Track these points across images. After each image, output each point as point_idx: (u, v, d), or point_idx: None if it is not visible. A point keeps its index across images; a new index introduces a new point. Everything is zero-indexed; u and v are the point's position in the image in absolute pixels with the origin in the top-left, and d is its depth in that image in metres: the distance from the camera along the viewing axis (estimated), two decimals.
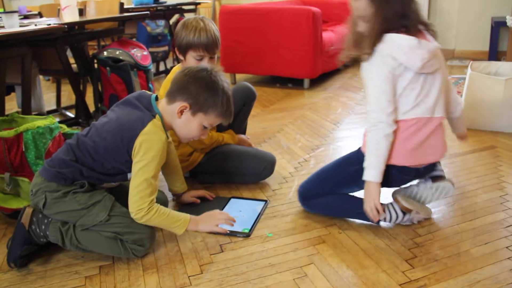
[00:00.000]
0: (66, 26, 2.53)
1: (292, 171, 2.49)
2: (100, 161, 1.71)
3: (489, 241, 1.77)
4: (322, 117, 3.42)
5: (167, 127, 1.76)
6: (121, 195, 1.77)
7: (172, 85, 1.76)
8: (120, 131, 1.68)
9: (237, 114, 2.41)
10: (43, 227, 1.73)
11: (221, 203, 2.13)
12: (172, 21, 5.04)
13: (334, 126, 3.21)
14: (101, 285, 1.62)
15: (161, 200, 2.02)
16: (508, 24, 4.07)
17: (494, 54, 4.86)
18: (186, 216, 1.80)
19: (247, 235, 1.88)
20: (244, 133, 2.64)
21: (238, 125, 2.49)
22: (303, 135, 3.04)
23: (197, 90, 1.70)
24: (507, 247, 1.73)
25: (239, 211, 2.06)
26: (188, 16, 5.45)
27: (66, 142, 1.78)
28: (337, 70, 4.91)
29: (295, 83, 4.43)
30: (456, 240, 1.79)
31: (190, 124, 1.75)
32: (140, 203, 1.67)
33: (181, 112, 1.72)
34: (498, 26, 4.79)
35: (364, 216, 1.85)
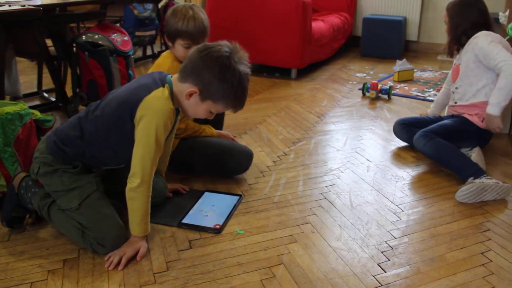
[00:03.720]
0: (41, 8, 2.43)
1: (271, 165, 2.43)
2: (104, 132, 1.67)
3: (464, 246, 1.73)
4: (306, 109, 3.36)
5: (175, 102, 1.68)
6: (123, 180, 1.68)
7: (187, 63, 1.64)
8: (126, 97, 1.64)
9: None
10: (29, 194, 1.79)
11: (195, 197, 2.07)
12: (161, 4, 4.92)
13: (317, 119, 3.15)
14: (64, 280, 1.56)
15: (159, 190, 1.94)
16: (500, 21, 4.00)
17: None
18: (149, 229, 1.72)
19: (217, 231, 1.82)
20: (221, 124, 2.57)
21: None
22: (285, 127, 2.98)
23: (210, 78, 1.59)
24: (482, 253, 1.69)
25: (212, 205, 2.01)
26: (178, 1, 5.35)
27: (75, 116, 1.76)
28: (326, 60, 4.84)
29: (283, 72, 4.35)
30: (432, 244, 1.75)
31: (197, 107, 1.67)
32: (143, 174, 1.61)
33: (190, 95, 1.63)
34: None
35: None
